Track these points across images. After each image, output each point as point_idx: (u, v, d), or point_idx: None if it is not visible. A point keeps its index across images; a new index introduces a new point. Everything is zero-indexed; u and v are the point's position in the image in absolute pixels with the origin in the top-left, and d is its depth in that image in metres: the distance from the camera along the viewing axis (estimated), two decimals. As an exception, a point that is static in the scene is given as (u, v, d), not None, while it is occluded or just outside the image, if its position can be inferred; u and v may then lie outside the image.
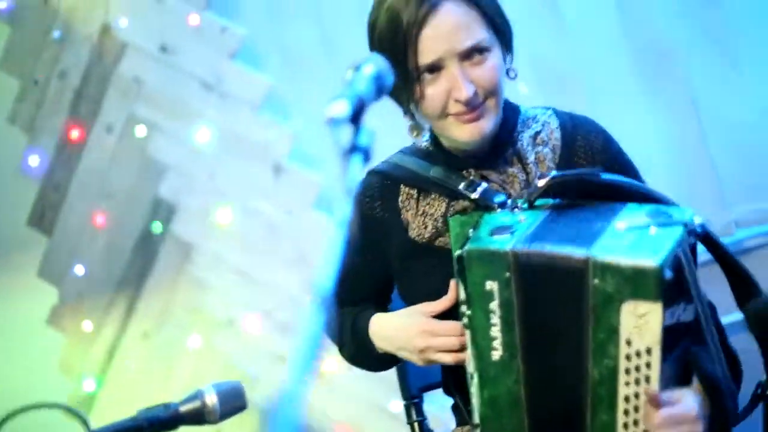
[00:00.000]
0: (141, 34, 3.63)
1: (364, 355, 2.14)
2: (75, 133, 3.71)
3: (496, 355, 1.80)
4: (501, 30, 1.97)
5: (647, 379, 1.68)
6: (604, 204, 1.84)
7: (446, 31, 1.90)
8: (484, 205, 1.93)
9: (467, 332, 1.83)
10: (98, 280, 3.78)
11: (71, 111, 3.72)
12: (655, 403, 1.67)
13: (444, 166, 2.02)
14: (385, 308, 2.19)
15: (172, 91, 3.64)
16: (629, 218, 1.74)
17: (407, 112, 2.01)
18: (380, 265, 2.11)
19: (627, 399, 1.70)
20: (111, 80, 3.66)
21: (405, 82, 1.92)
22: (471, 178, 1.99)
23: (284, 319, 3.65)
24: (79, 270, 3.78)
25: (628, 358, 1.68)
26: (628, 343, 1.67)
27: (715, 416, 1.73)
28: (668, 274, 1.63)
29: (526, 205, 1.88)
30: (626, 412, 1.71)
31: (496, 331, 1.79)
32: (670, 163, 3.60)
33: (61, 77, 3.71)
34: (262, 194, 3.58)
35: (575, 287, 1.72)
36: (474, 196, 1.94)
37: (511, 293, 1.77)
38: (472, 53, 1.91)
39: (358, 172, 1.34)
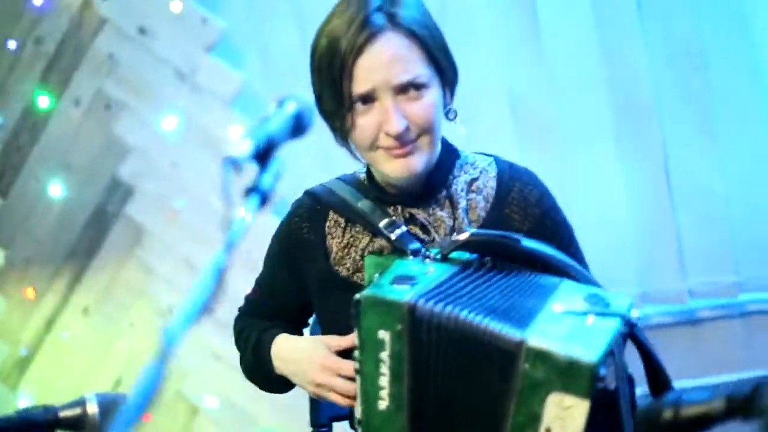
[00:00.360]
0: (122, 13, 3.59)
1: (259, 371, 2.11)
2: (44, 101, 3.68)
3: (383, 405, 1.76)
4: (443, 68, 1.94)
5: None
6: (524, 273, 1.81)
7: (383, 61, 1.87)
8: (399, 248, 1.91)
9: (357, 378, 1.79)
10: (47, 249, 3.75)
11: (42, 78, 3.69)
12: None
13: (374, 200, 2.00)
14: (299, 330, 2.17)
15: (145, 74, 3.60)
16: (566, 301, 1.71)
17: (340, 139, 1.98)
18: (297, 285, 2.09)
19: None
20: (86, 54, 3.63)
21: (338, 110, 1.90)
22: (393, 218, 1.96)
23: (224, 318, 3.59)
24: (30, 236, 3.76)
25: None
26: (547, 431, 1.64)
27: None
28: (602, 371, 1.59)
29: (439, 257, 1.84)
30: None
31: (384, 381, 1.75)
32: (635, 221, 3.60)
33: (37, 43, 3.68)
34: (219, 189, 3.55)
35: (499, 366, 1.67)
36: (392, 236, 1.92)
37: (403, 346, 1.72)
38: (407, 88, 1.88)
39: (251, 214, 1.31)
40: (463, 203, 1.98)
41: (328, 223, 2.04)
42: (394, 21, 1.88)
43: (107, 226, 3.69)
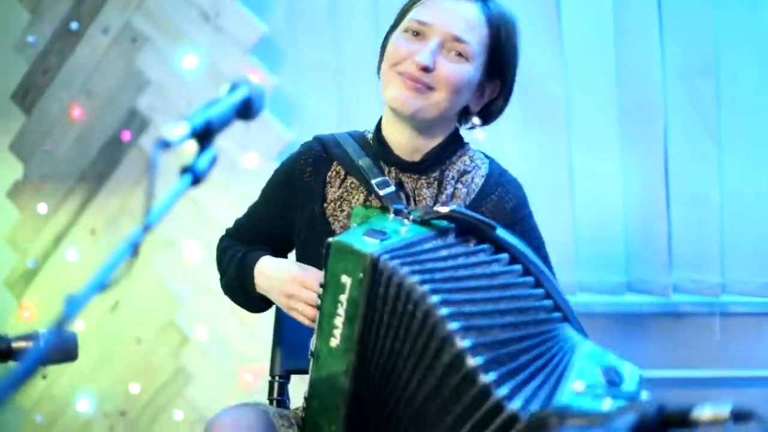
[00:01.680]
0: (156, -50, 3.68)
1: (240, 285, 2.19)
2: (74, 25, 3.78)
3: (334, 342, 1.86)
4: (491, 74, 2.08)
5: None
6: (491, 266, 1.87)
7: (453, 13, 2.03)
8: (384, 206, 2.01)
9: (318, 313, 1.90)
10: (63, 168, 3.87)
11: (74, 3, 3.78)
12: None
13: (373, 158, 2.10)
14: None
15: (172, 11, 3.69)
16: (584, 374, 1.75)
17: (379, 65, 2.13)
18: (286, 222, 2.20)
19: None
20: (117, -15, 3.72)
21: (393, 26, 2.10)
22: (385, 177, 2.07)
23: (221, 256, 3.74)
24: (47, 154, 3.87)
25: None
26: None
27: None
28: None
29: (418, 221, 1.93)
30: None
31: (338, 321, 1.85)
32: (630, 213, 3.63)
33: (73, -31, 3.78)
34: (231, 134, 3.62)
35: (468, 404, 1.73)
36: (380, 192, 2.03)
37: (360, 293, 1.82)
38: (454, 47, 2.02)
39: (180, 192, 1.39)
40: (449, 189, 2.09)
41: (330, 172, 2.15)
42: (485, 1, 2.06)
43: (121, 154, 3.80)
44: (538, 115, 3.61)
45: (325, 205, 2.13)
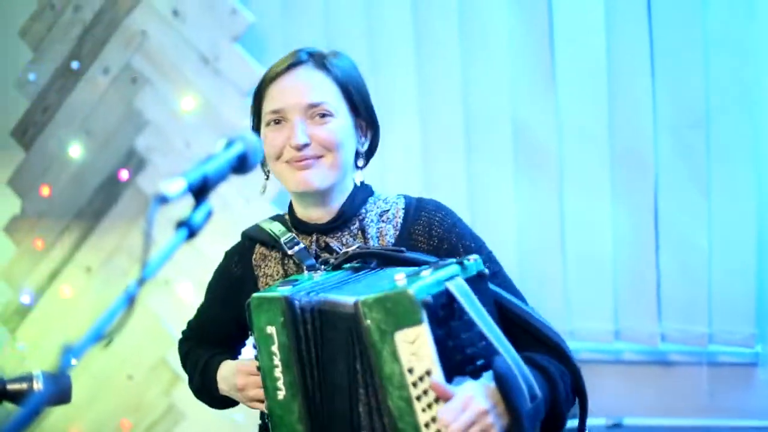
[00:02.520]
0: (158, -7, 3.74)
1: (206, 392, 2.27)
2: (74, 65, 3.83)
3: (281, 395, 1.91)
4: (358, 111, 2.13)
5: (437, 401, 1.71)
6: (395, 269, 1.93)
7: (295, 85, 2.07)
8: (297, 263, 2.09)
9: (261, 376, 1.95)
10: (60, 206, 3.91)
11: (76, 44, 3.83)
12: (443, 394, 1.70)
13: (294, 231, 2.16)
14: (235, 353, 2.31)
15: (172, 54, 3.74)
16: (411, 271, 1.82)
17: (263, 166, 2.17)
18: (232, 316, 2.22)
19: (427, 425, 1.73)
20: (119, 27, 3.77)
21: (257, 130, 2.12)
22: (292, 236, 2.13)
23: (215, 296, 3.77)
24: (45, 191, 3.92)
25: (415, 385, 1.72)
26: (410, 371, 1.72)
27: (509, 411, 1.72)
28: (425, 297, 1.69)
29: (329, 268, 2.01)
30: None
31: (278, 372, 1.90)
32: (619, 262, 3.67)
33: (76, 10, 3.82)
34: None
35: (350, 330, 1.80)
36: (290, 252, 2.10)
37: (287, 336, 1.87)
38: (315, 112, 2.05)
39: (175, 246, 1.43)
40: (373, 231, 2.13)
41: (254, 256, 2.21)
42: (314, 58, 2.09)
43: (118, 193, 3.84)
44: (531, 163, 3.66)
45: (259, 285, 2.19)
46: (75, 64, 3.83)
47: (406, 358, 1.72)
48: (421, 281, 1.72)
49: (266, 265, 2.18)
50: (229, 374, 2.16)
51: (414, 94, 3.76)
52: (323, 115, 2.06)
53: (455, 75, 3.69)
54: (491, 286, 1.90)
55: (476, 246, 2.11)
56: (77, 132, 3.86)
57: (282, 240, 2.12)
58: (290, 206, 2.20)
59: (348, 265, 2.02)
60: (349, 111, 2.11)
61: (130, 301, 1.32)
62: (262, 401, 2.05)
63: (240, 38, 3.72)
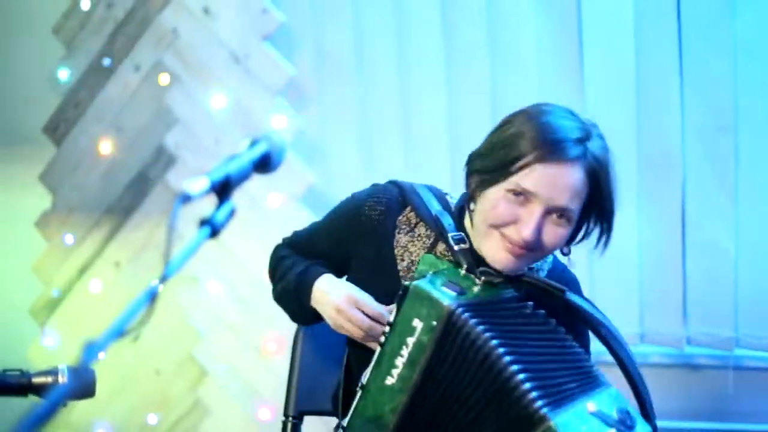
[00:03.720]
0: (190, -9, 3.77)
1: (295, 297, 2.21)
2: (106, 62, 3.87)
3: (390, 381, 1.92)
4: (596, 213, 2.07)
5: None
6: (568, 340, 1.99)
7: (560, 184, 1.96)
8: (456, 261, 2.06)
9: (378, 349, 1.96)
10: (90, 201, 3.95)
11: (108, 41, 3.87)
12: None
13: (452, 220, 2.14)
14: None
15: (202, 52, 3.77)
16: (601, 403, 1.86)
17: (468, 192, 2.11)
18: (342, 254, 2.23)
19: None
20: (151, 24, 3.80)
21: (491, 176, 2.01)
22: (462, 234, 2.10)
23: (243, 293, 3.80)
24: (75, 187, 3.95)
25: None
26: None
27: None
28: None
29: (487, 282, 2.02)
30: None
31: (400, 362, 1.91)
32: (645, 265, 3.66)
33: (108, 7, 3.85)
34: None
35: (510, 419, 1.84)
36: (456, 248, 2.06)
37: (429, 340, 1.89)
38: (557, 212, 1.98)
39: (198, 244, 1.42)
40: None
41: (401, 217, 2.17)
42: (585, 156, 1.99)
43: (147, 190, 3.87)
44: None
45: (395, 249, 2.16)
46: (107, 61, 3.87)
47: None
48: None
49: (409, 239, 2.16)
50: (333, 289, 2.13)
51: (443, 94, 3.77)
52: (561, 217, 1.99)
53: (484, 76, 3.70)
54: None
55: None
56: (108, 128, 3.90)
57: (450, 234, 2.08)
58: (460, 211, 2.16)
59: (503, 286, 2.03)
60: (589, 217, 2.07)
61: (152, 297, 1.33)
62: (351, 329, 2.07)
63: (270, 37, 3.74)
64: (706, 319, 3.63)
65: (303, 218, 3.50)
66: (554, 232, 1.99)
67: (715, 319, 3.62)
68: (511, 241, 1.99)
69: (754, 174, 3.52)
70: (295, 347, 2.58)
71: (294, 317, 2.31)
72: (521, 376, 1.84)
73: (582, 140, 1.99)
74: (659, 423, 3.65)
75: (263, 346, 3.77)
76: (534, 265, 2.13)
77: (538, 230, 1.97)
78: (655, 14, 3.52)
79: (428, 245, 2.14)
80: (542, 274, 2.15)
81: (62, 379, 1.89)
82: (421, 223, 2.15)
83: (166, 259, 1.35)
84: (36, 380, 1.88)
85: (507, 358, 1.85)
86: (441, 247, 2.12)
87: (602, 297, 3.71)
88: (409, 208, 2.17)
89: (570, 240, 2.08)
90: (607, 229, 2.11)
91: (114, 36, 3.86)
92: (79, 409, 3.94)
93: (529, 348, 1.93)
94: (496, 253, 2.01)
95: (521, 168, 1.96)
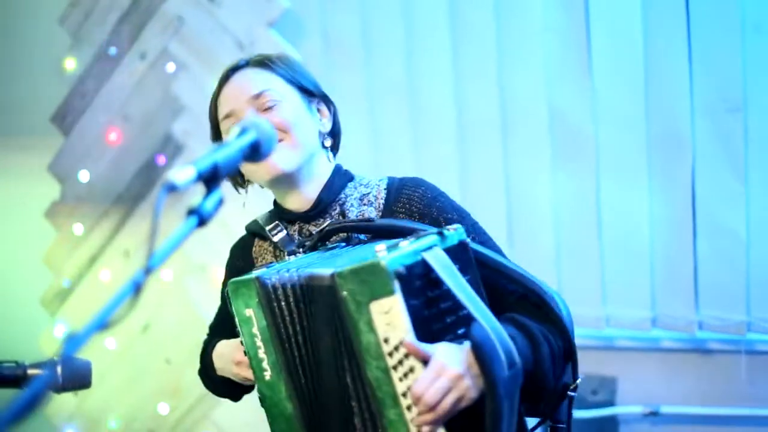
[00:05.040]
0: (194, -21, 3.75)
1: (205, 374, 2.30)
2: (112, 51, 3.86)
3: (267, 375, 1.93)
4: (312, 94, 2.16)
5: (412, 370, 1.72)
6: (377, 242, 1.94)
7: (239, 85, 2.12)
8: (280, 248, 2.12)
9: (248, 359, 1.97)
10: (98, 190, 3.95)
11: (114, 29, 3.86)
12: (414, 352, 1.70)
13: (280, 221, 2.17)
14: None
15: (208, 39, 3.75)
16: (391, 243, 1.81)
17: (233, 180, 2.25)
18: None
19: (404, 394, 1.74)
20: (156, 12, 3.79)
21: (218, 139, 2.16)
22: (276, 223, 2.15)
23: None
24: (84, 176, 3.95)
25: (390, 354, 1.73)
26: (386, 341, 1.72)
27: (485, 378, 1.71)
28: (398, 268, 1.69)
29: (307, 250, 2.04)
30: (409, 408, 1.74)
31: (262, 353, 1.92)
32: (656, 249, 3.63)
33: (113, -4, 3.86)
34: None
35: (330, 303, 1.80)
36: (275, 239, 2.13)
37: (264, 316, 1.90)
38: (263, 105, 2.08)
39: (185, 234, 1.43)
40: (353, 214, 2.13)
41: (254, 249, 2.24)
42: (253, 61, 2.16)
43: (155, 177, 3.86)
44: (568, 149, 3.63)
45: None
46: (113, 50, 3.86)
47: (381, 328, 1.72)
48: (397, 251, 1.72)
49: (263, 258, 2.21)
50: (226, 351, 2.17)
51: (450, 80, 3.74)
52: (271, 106, 2.08)
53: (491, 61, 3.67)
54: (474, 245, 1.89)
55: (458, 217, 2.09)
56: (115, 117, 3.89)
57: (267, 228, 2.15)
58: (274, 201, 2.23)
59: (328, 246, 2.05)
60: (299, 94, 2.13)
61: (137, 289, 1.31)
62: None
63: (275, 24, 3.72)
64: (718, 303, 3.59)
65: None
66: (273, 114, 2.07)
67: (727, 303, 3.58)
68: None
69: (764, 155, 3.48)
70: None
71: (219, 394, 2.36)
72: (312, 269, 1.85)
73: (243, 59, 2.19)
74: (673, 409, 3.66)
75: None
76: (369, 191, 2.14)
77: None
78: (663, -5, 3.49)
79: (271, 250, 2.19)
80: (383, 193, 2.13)
81: (57, 370, 1.88)
82: (263, 240, 2.22)
83: (149, 250, 1.33)
84: (31, 372, 1.87)
85: (305, 270, 1.87)
86: (278, 250, 2.18)
87: (613, 281, 3.70)
88: (256, 238, 2.25)
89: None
90: (326, 100, 2.21)
91: (119, 25, 3.86)
92: (92, 398, 3.95)
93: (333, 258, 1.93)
94: (260, 169, 2.08)
95: (217, 113, 2.16)
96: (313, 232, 2.11)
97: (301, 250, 2.07)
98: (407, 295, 1.70)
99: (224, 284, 2.33)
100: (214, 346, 2.25)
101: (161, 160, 3.85)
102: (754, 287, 3.55)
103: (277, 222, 2.16)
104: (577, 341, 1.95)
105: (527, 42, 3.63)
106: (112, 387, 3.92)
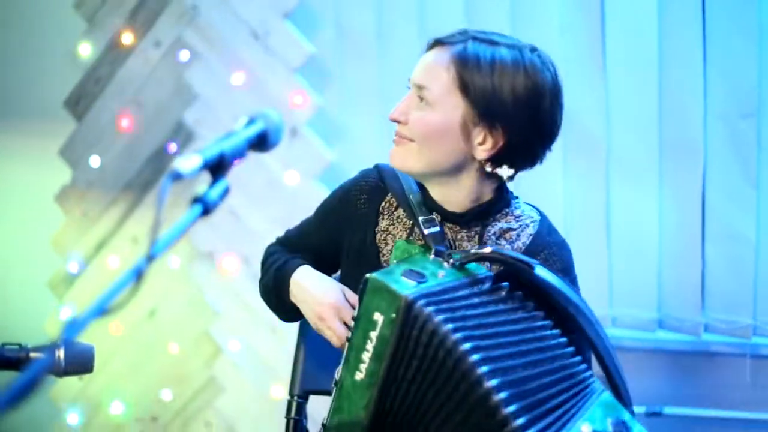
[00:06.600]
0: (211, -32, 3.75)
1: (274, 290, 2.22)
2: (127, 38, 3.86)
3: (359, 375, 1.90)
4: (489, 112, 1.99)
5: None
6: (536, 322, 1.92)
7: (423, 63, 2.05)
8: (428, 244, 2.04)
9: (346, 343, 1.95)
10: (109, 176, 3.96)
11: (130, 16, 3.87)
12: None
13: (422, 200, 2.12)
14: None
15: (223, 29, 3.76)
16: (594, 420, 1.82)
17: None
18: (334, 244, 2.23)
19: None
20: (171, 1, 3.80)
21: None
22: (432, 216, 2.08)
23: (259, 271, 3.79)
24: (95, 161, 3.96)
25: None
26: None
27: None
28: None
29: (457, 264, 1.96)
30: None
31: (366, 356, 1.89)
32: (664, 251, 3.63)
33: (129, -18, 3.86)
34: (274, 151, 3.68)
35: (455, 386, 1.82)
36: (426, 232, 2.05)
37: (391, 332, 1.85)
38: (420, 95, 2.02)
39: (189, 222, 1.43)
40: (490, 245, 2.08)
41: (383, 203, 2.17)
42: (455, 43, 2.03)
43: (165, 165, 3.86)
44: (579, 151, 3.62)
45: (377, 236, 2.15)
46: (127, 37, 3.86)
47: None
48: None
49: (391, 222, 2.15)
50: (314, 289, 2.12)
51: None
52: (422, 99, 2.02)
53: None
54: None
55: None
56: (128, 104, 3.90)
57: (420, 218, 2.07)
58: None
59: (473, 267, 1.97)
60: (467, 108, 2.00)
61: (138, 276, 1.32)
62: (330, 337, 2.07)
63: (290, 15, 3.72)
64: (725, 306, 3.59)
65: (320, 196, 3.47)
66: (418, 116, 2.01)
67: (734, 306, 3.58)
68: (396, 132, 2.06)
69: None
70: (301, 326, 2.57)
71: (277, 313, 2.29)
72: (493, 382, 1.80)
73: (465, 33, 2.05)
74: (676, 410, 3.66)
75: (278, 324, 3.76)
76: (516, 227, 2.10)
77: (403, 111, 2.03)
78: (679, -1, 3.48)
79: (408, 228, 2.13)
80: (527, 238, 2.10)
81: (59, 354, 1.88)
82: (399, 207, 2.15)
83: (152, 238, 1.33)
84: (34, 355, 1.86)
85: (474, 357, 1.81)
86: (417, 235, 2.11)
87: (620, 282, 3.69)
88: (390, 194, 2.16)
89: (499, 158, 2.03)
90: (518, 133, 2.01)
91: (135, 12, 3.86)
92: (97, 382, 3.96)
93: (500, 340, 1.87)
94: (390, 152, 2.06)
95: None
96: (448, 238, 2.07)
97: (450, 260, 1.97)
98: None
99: (326, 212, 2.27)
100: (296, 264, 2.18)
101: (172, 147, 3.85)
102: (761, 292, 3.55)
103: (432, 217, 2.09)
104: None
105: (542, 43, 3.59)
106: (116, 371, 3.94)
